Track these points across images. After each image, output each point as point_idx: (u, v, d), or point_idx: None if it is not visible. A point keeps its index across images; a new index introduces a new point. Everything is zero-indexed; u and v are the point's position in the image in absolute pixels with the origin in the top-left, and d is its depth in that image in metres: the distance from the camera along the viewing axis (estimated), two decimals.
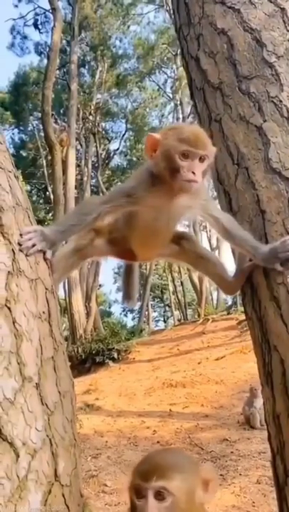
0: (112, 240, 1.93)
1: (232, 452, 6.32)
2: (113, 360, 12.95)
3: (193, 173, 1.58)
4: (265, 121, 1.85)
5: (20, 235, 1.41)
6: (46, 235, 1.50)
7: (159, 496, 1.15)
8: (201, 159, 1.60)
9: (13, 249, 1.35)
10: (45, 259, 1.50)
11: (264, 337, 1.65)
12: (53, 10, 16.33)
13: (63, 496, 1.20)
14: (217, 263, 1.97)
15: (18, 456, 1.12)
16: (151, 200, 1.68)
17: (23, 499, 1.09)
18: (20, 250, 1.38)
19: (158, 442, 7.07)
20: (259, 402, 6.41)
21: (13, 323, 1.25)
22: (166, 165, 1.61)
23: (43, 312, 1.37)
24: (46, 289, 1.43)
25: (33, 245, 1.42)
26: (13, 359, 1.21)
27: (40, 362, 1.28)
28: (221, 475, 5.77)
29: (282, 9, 1.98)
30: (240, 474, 5.71)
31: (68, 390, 1.38)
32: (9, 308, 1.25)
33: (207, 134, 2.01)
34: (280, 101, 1.84)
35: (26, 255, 1.39)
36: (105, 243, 1.93)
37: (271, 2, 2.02)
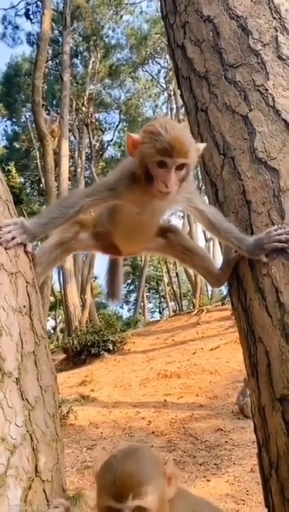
0: (97, 234, 1.91)
1: (226, 442, 6.37)
2: (108, 351, 12.95)
3: (167, 185, 1.52)
4: (250, 110, 1.82)
5: (0, 227, 1.38)
6: (27, 227, 1.47)
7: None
8: (179, 167, 1.54)
9: None
10: (26, 252, 1.48)
11: (249, 328, 1.64)
12: None
13: (44, 491, 1.19)
14: (203, 256, 1.95)
15: None
16: (134, 196, 1.65)
17: (2, 496, 1.08)
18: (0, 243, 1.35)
19: (153, 433, 7.11)
20: None
21: None
22: (142, 170, 1.57)
23: (24, 306, 1.35)
24: (27, 282, 1.41)
25: (13, 238, 1.40)
26: None
27: (20, 356, 1.27)
28: (215, 464, 5.82)
29: None
30: (234, 463, 5.75)
31: (50, 385, 1.37)
32: None
33: (193, 125, 1.99)
34: (266, 90, 1.81)
35: (6, 248, 1.37)
36: (90, 237, 1.90)
37: None
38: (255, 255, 1.62)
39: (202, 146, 1.66)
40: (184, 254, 1.93)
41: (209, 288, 24.68)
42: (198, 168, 2.03)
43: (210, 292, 23.24)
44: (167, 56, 24.80)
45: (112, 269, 2.20)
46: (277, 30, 1.89)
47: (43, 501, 1.18)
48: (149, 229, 1.82)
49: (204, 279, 2.06)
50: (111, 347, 13.04)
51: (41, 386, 1.32)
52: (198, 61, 2.08)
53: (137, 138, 1.57)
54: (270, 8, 1.95)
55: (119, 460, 1.15)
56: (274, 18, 1.92)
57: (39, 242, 1.80)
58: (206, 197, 2.05)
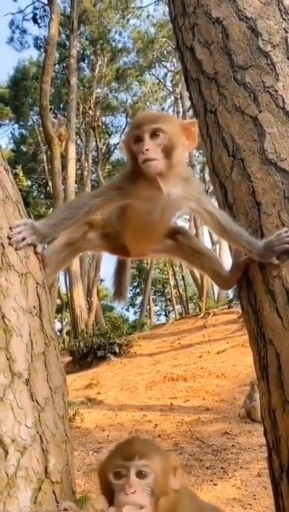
0: (106, 235, 1.91)
1: (233, 445, 6.33)
2: (114, 354, 12.94)
3: (143, 152, 1.56)
4: (260, 111, 1.82)
5: (10, 228, 1.38)
6: (37, 228, 1.47)
7: (141, 474, 1.19)
8: (154, 135, 1.59)
9: (2, 243, 1.33)
10: (35, 253, 1.48)
11: (259, 331, 1.63)
12: (50, 2, 16.17)
13: (54, 493, 1.19)
14: (213, 258, 1.94)
15: (6, 453, 1.11)
16: (141, 192, 1.65)
17: (12, 497, 1.08)
18: (10, 244, 1.35)
19: (159, 436, 7.08)
20: None
21: (3, 318, 1.23)
22: (129, 156, 1.67)
23: (34, 307, 1.35)
24: (37, 283, 1.41)
25: (23, 239, 1.40)
26: (2, 355, 1.19)
27: (30, 357, 1.27)
28: (222, 468, 5.79)
29: None
30: (241, 467, 5.72)
31: (60, 386, 1.37)
32: None
33: (202, 127, 2.00)
34: (276, 91, 1.81)
35: (16, 249, 1.37)
36: (98, 237, 1.90)
37: None
38: (265, 258, 1.61)
39: (172, 122, 1.69)
40: (193, 256, 1.92)
41: (216, 291, 24.64)
42: (207, 170, 2.03)
43: (216, 295, 23.19)
44: (174, 59, 24.86)
45: (120, 269, 2.19)
46: (287, 32, 1.89)
47: (52, 503, 1.18)
48: (159, 229, 1.82)
49: (213, 281, 2.05)
50: (117, 350, 13.03)
51: (51, 387, 1.31)
52: (207, 63, 2.07)
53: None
54: (279, 9, 1.94)
55: (133, 438, 1.43)
56: (284, 19, 1.92)
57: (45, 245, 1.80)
58: (214, 199, 2.05)
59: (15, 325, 1.25)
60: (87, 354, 13.18)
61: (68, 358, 14.13)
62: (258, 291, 1.66)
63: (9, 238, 1.36)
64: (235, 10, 2.02)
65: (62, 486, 1.24)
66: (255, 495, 5.05)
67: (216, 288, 26.45)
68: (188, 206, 1.76)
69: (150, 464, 1.20)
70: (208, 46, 2.08)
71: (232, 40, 1.98)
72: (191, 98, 2.28)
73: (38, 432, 1.20)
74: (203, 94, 2.09)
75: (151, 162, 1.56)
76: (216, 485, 5.37)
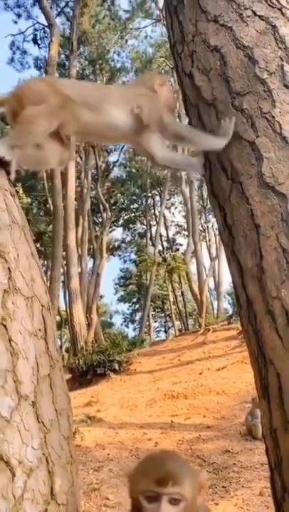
0: None
1: (234, 464, 6.27)
2: (114, 371, 12.86)
3: None
4: (258, 136, 1.87)
5: None
6: None
7: (173, 500, 1.19)
8: None
9: (9, 268, 1.36)
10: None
11: (260, 351, 1.66)
12: (50, 25, 16.53)
13: None
14: None
15: (14, 475, 1.12)
16: None
17: None
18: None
19: None
20: None
21: (9, 341, 1.26)
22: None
23: (39, 330, 1.38)
24: (42, 306, 1.44)
25: None
26: (9, 377, 1.21)
27: (36, 380, 1.29)
28: (223, 487, 5.72)
29: (274, 26, 2.02)
30: (242, 486, 5.65)
31: (65, 408, 1.39)
32: (5, 326, 1.26)
33: None
34: (273, 117, 1.86)
35: None
36: None
37: (262, 20, 2.04)
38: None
39: None
40: None
41: (215, 307, 24.60)
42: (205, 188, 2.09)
43: (216, 311, 23.14)
44: (171, 79, 25.22)
45: None
46: (282, 60, 1.95)
47: None
48: None
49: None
50: (117, 367, 12.95)
51: (56, 409, 1.34)
52: (205, 89, 2.13)
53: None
54: (275, 38, 2.01)
55: (164, 454, 1.32)
56: (279, 48, 1.98)
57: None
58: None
59: (21, 348, 1.28)
60: (86, 371, 13.08)
61: (68, 376, 14.02)
62: (257, 311, 1.69)
63: None
64: (232, 38, 2.09)
65: (68, 508, 1.25)
66: None
67: (216, 304, 26.43)
68: None
69: (183, 491, 1.19)
70: (206, 73, 2.14)
71: (230, 67, 2.05)
72: (190, 123, 2.34)
73: (44, 454, 1.22)
74: (202, 119, 2.15)
75: None
76: (217, 504, 5.30)
